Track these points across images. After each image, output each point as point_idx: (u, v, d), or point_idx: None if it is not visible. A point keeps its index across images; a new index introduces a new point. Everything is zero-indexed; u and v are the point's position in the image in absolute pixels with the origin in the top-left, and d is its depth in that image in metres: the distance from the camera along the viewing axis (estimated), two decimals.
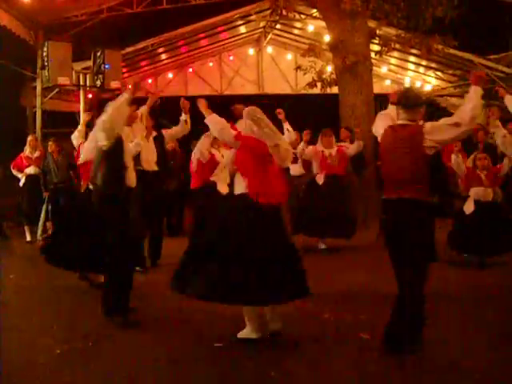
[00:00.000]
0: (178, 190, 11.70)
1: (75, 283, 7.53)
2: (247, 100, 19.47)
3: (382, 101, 10.62)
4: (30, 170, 11.61)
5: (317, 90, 14.59)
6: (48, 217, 11.58)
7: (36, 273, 8.81)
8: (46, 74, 11.62)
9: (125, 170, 6.13)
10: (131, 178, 6.26)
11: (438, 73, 18.89)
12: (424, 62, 18.16)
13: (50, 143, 11.79)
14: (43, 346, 5.32)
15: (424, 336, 4.97)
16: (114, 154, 6.02)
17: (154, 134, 8.79)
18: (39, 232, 11.60)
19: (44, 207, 11.58)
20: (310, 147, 9.92)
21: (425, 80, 20.00)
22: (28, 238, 11.60)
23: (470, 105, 4.87)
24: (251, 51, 20.31)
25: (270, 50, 20.34)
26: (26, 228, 11.73)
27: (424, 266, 5.00)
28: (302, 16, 16.13)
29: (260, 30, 19.27)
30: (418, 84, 20.26)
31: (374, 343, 5.13)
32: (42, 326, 5.95)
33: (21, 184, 11.66)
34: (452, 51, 15.03)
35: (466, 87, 17.84)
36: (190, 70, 19.94)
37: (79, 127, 8.92)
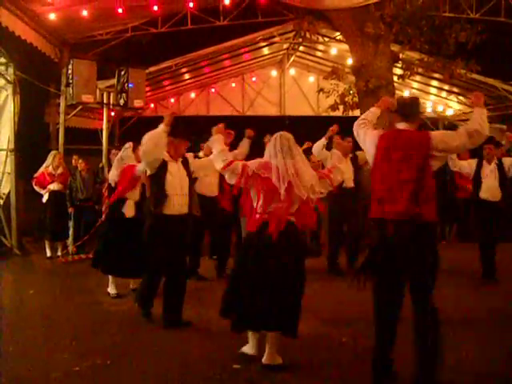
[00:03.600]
0: None
1: (95, 300, 7.54)
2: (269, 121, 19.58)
3: None
4: (54, 186, 11.53)
5: (339, 113, 14.58)
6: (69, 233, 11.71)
7: (56, 288, 8.85)
8: (71, 91, 11.69)
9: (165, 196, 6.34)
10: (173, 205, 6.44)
11: (461, 97, 18.82)
12: (446, 87, 18.11)
13: (79, 161, 11.92)
14: (61, 362, 5.32)
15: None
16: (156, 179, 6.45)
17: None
18: (70, 248, 11.67)
19: (72, 224, 11.68)
20: None
21: (447, 104, 19.95)
22: (48, 254, 11.58)
23: None
24: (274, 73, 20.44)
25: (292, 71, 20.46)
26: (46, 244, 11.68)
27: None
28: (325, 39, 16.21)
29: (283, 52, 19.38)
30: (440, 108, 20.24)
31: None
32: (60, 342, 5.95)
33: (44, 200, 11.61)
34: (475, 76, 14.98)
35: (490, 112, 17.86)
36: (213, 90, 20.09)
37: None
